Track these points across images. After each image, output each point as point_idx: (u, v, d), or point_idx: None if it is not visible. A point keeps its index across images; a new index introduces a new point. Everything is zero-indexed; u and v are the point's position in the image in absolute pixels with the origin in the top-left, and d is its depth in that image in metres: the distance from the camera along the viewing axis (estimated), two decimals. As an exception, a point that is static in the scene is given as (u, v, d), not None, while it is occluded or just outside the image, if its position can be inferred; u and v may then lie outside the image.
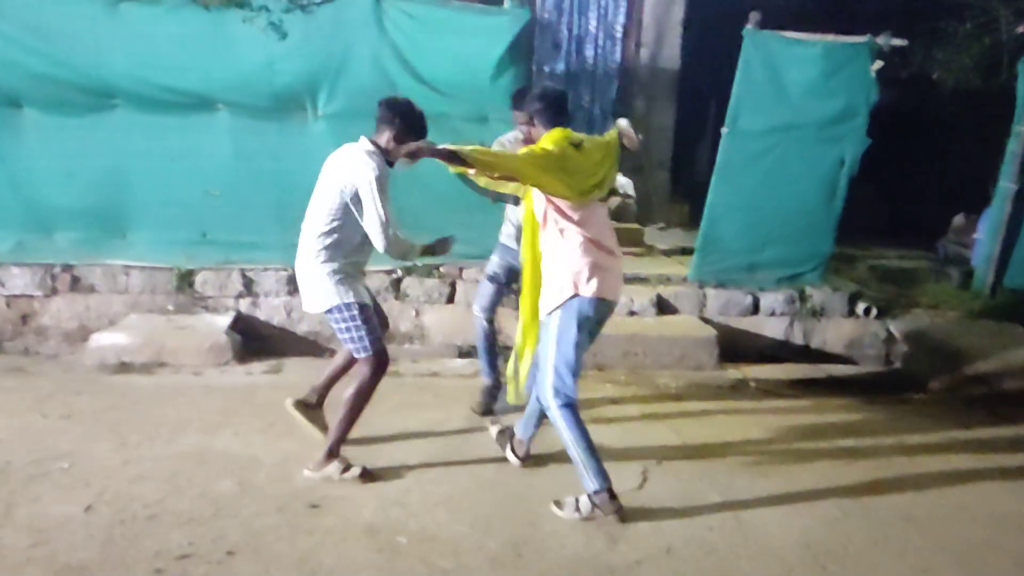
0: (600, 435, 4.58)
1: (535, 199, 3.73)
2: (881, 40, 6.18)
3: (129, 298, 6.01)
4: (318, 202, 3.85)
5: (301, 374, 5.39)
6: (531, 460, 4.17)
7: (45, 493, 3.60)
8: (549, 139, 3.66)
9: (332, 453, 3.92)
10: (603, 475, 3.62)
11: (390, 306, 6.17)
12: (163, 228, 6.05)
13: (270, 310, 6.12)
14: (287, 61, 5.80)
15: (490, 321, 4.78)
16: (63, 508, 3.46)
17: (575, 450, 3.61)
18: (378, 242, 3.76)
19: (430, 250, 4.00)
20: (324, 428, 4.16)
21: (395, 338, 6.08)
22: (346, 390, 3.92)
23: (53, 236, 6.00)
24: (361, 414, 3.94)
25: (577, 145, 3.70)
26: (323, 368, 5.60)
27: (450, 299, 6.27)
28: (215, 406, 4.75)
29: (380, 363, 3.89)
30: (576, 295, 3.60)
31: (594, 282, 3.61)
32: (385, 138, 3.87)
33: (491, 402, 4.88)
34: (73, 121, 5.75)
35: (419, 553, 3.28)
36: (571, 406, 3.62)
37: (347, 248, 3.84)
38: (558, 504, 3.71)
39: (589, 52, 9.42)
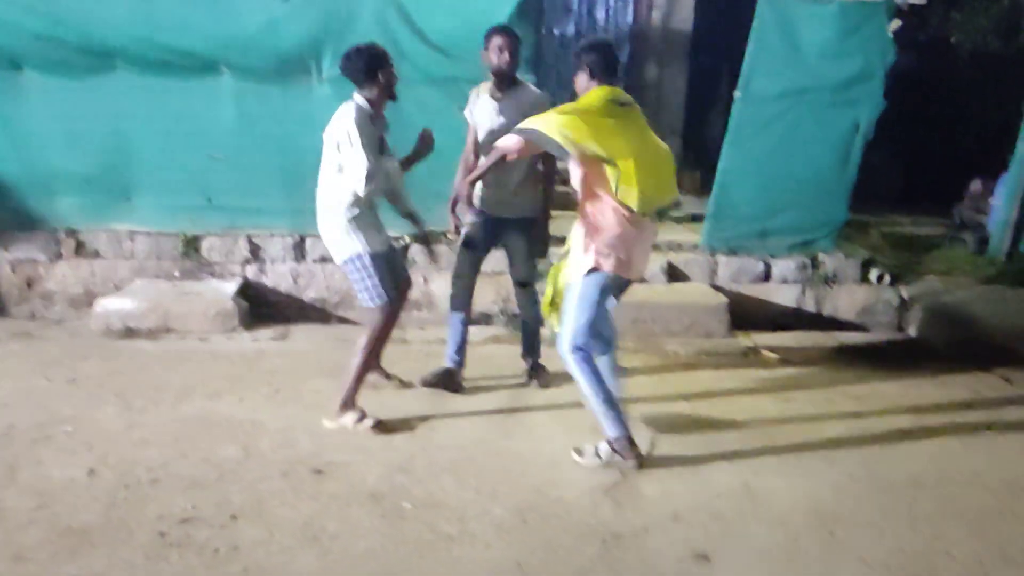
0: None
1: (572, 164, 3.64)
2: (898, -1, 6.04)
3: (135, 263, 5.99)
4: (325, 159, 3.97)
5: (308, 341, 5.37)
6: (540, 430, 4.13)
7: (49, 456, 3.59)
8: (595, 105, 3.55)
9: (347, 403, 4.01)
10: (623, 423, 3.72)
11: (397, 272, 6.13)
12: (168, 193, 6.01)
13: (277, 276, 6.08)
14: (291, 23, 5.71)
15: (465, 288, 4.59)
16: (66, 471, 3.45)
17: (595, 400, 3.69)
18: (359, 187, 3.82)
19: (411, 159, 4.15)
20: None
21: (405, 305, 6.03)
22: (357, 340, 4.02)
23: (56, 201, 5.96)
24: (372, 364, 4.05)
25: (624, 104, 3.66)
26: (329, 334, 5.61)
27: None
28: (221, 372, 4.73)
29: (391, 311, 4.03)
30: (603, 270, 3.62)
31: (623, 261, 3.64)
32: (372, 89, 3.94)
33: (440, 384, 4.60)
34: (74, 83, 5.70)
35: (424, 519, 3.25)
36: (589, 359, 3.69)
37: (351, 200, 3.92)
38: (578, 451, 3.78)
39: (600, 14, 9.27)
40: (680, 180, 9.57)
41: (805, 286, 6.51)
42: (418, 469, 3.68)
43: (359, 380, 4.03)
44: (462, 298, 4.64)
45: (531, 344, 4.80)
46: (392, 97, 4.05)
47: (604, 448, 3.74)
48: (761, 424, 4.40)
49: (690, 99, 9.39)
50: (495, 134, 4.33)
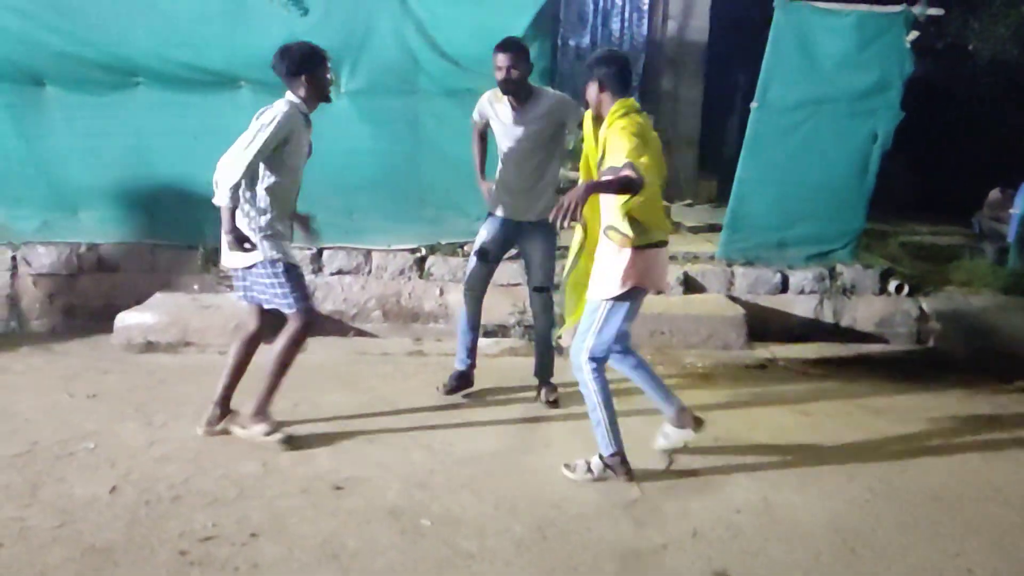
0: (624, 416, 4.54)
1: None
2: (917, 10, 6.01)
3: (155, 277, 6.04)
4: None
5: (325, 353, 5.39)
6: (558, 444, 4.13)
7: (71, 473, 3.62)
8: (630, 123, 3.53)
9: (260, 413, 3.95)
10: (620, 439, 3.75)
11: (414, 284, 6.16)
12: (187, 207, 6.04)
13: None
14: (309, 38, 5.63)
15: (476, 300, 4.61)
16: (89, 488, 3.48)
17: (602, 412, 3.71)
18: (224, 184, 3.68)
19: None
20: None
21: (420, 317, 6.05)
22: (273, 347, 3.94)
23: (78, 215, 6.02)
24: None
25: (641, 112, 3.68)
26: (346, 346, 5.64)
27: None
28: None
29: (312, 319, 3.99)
30: (634, 288, 3.64)
31: (648, 275, 3.68)
32: (299, 85, 3.88)
33: (458, 387, 4.71)
34: (96, 99, 5.76)
35: (443, 535, 3.25)
36: (603, 372, 3.74)
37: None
38: (569, 467, 3.79)
39: (615, 25, 9.28)
40: (696, 190, 9.64)
41: (823, 297, 6.48)
42: (436, 484, 3.68)
43: (274, 390, 3.97)
44: (473, 311, 4.65)
45: (544, 362, 4.76)
46: (325, 99, 3.96)
47: (597, 463, 3.75)
48: (779, 437, 4.38)
49: (706, 109, 9.38)
50: (519, 143, 4.36)
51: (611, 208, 3.62)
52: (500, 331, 6.03)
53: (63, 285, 5.97)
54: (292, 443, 3.95)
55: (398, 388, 4.85)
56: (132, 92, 5.78)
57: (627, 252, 3.59)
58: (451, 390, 4.69)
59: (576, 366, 3.74)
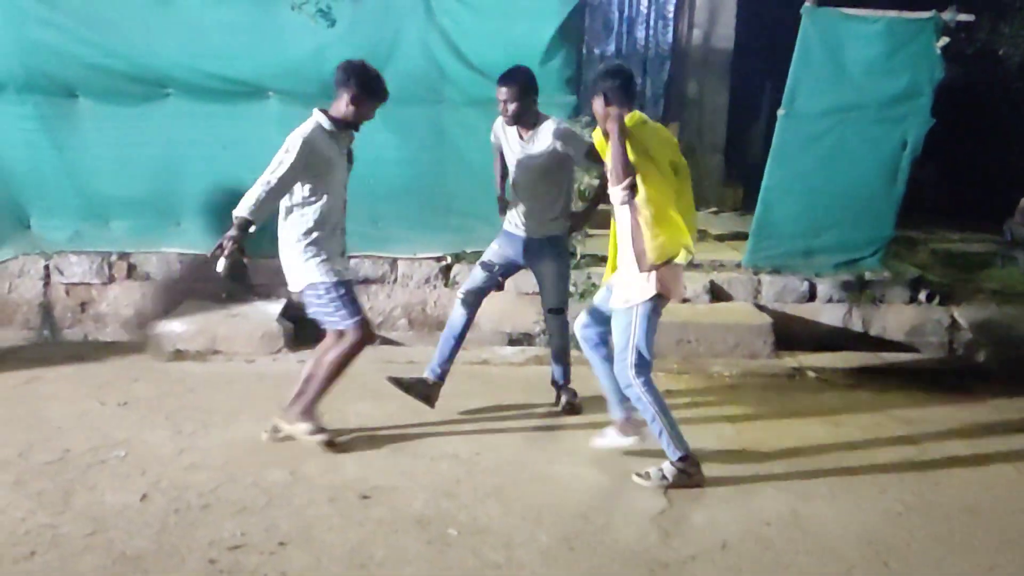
0: (653, 426, 4.52)
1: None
2: (947, 15, 5.93)
3: (183, 286, 6.09)
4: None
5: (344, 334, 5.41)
6: (584, 454, 4.12)
7: (102, 481, 3.66)
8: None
9: (307, 412, 4.01)
10: (685, 442, 3.79)
11: (440, 293, 6.17)
12: (215, 216, 6.08)
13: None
14: (336, 48, 5.76)
15: (468, 305, 4.53)
16: (120, 496, 3.51)
17: (661, 420, 3.74)
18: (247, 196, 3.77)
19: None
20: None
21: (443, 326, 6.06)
22: (329, 355, 4.04)
23: (109, 224, 6.10)
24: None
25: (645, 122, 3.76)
26: (372, 355, 5.65)
27: (499, 286, 6.22)
28: (267, 394, 4.78)
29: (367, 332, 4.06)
30: (659, 295, 3.71)
31: (668, 283, 3.74)
32: (343, 102, 3.92)
33: (411, 389, 4.49)
34: (127, 110, 5.83)
35: (470, 545, 3.25)
36: (651, 381, 3.78)
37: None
38: (641, 476, 3.79)
39: (640, 33, 9.29)
40: (722, 198, 9.63)
41: (852, 306, 6.41)
42: (463, 494, 3.68)
43: (322, 393, 4.04)
44: (462, 321, 4.53)
45: (563, 372, 4.73)
46: (354, 128, 4.06)
47: (669, 468, 3.77)
48: (809, 448, 4.34)
49: (731, 116, 9.33)
50: (527, 172, 4.36)
51: (627, 229, 3.70)
52: (525, 339, 6.03)
53: (94, 294, 6.05)
54: (334, 446, 4.03)
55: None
56: (162, 103, 5.85)
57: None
58: (397, 383, 4.47)
59: (625, 383, 3.77)
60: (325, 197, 3.91)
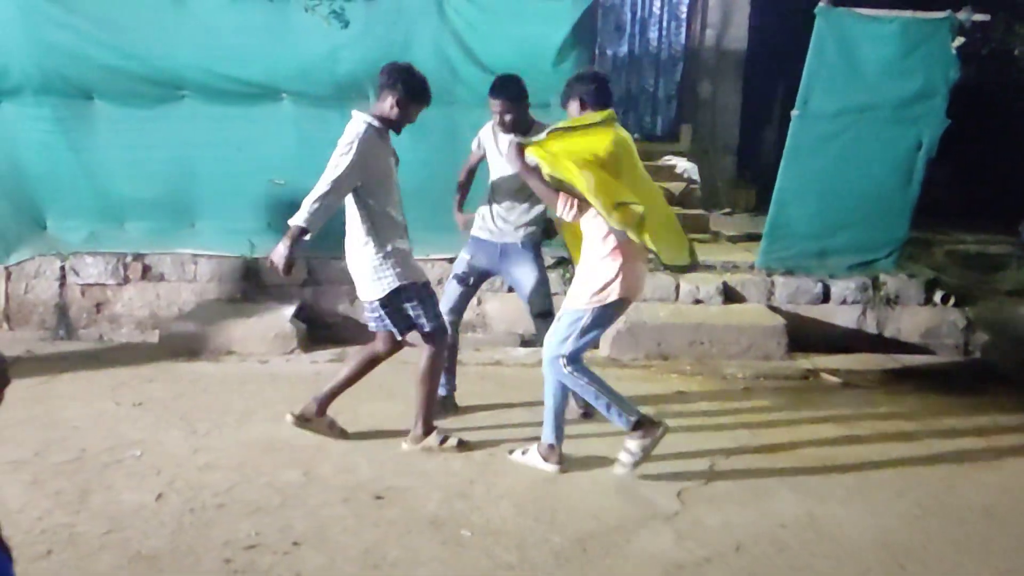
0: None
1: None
2: (962, 15, 5.90)
3: (197, 286, 6.13)
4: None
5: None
6: (596, 455, 4.11)
7: (118, 481, 3.68)
8: (601, 140, 3.65)
9: (428, 426, 4.07)
10: (633, 407, 3.83)
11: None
12: (230, 217, 6.14)
13: (333, 298, 6.16)
14: (349, 50, 5.81)
15: (454, 325, 4.49)
16: (136, 496, 3.53)
17: (605, 396, 3.78)
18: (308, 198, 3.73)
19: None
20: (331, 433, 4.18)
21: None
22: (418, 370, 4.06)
23: (125, 226, 6.14)
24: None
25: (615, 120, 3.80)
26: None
27: (511, 288, 6.23)
28: (281, 395, 4.81)
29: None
30: (614, 299, 3.72)
31: (629, 286, 3.73)
32: (387, 104, 3.87)
33: (439, 412, 4.46)
34: (142, 112, 5.87)
35: (483, 546, 3.25)
36: (582, 364, 3.82)
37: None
38: (622, 462, 3.83)
39: (653, 34, 9.26)
40: (735, 199, 9.59)
41: (866, 307, 6.38)
42: (477, 495, 3.68)
43: (432, 403, 4.12)
44: (451, 335, 4.48)
45: None
46: (397, 130, 4.02)
47: (633, 445, 3.80)
48: (824, 450, 4.32)
49: (744, 117, 9.30)
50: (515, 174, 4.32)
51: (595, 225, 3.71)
52: (538, 340, 6.01)
53: (110, 295, 6.08)
54: (467, 446, 4.12)
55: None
56: (177, 105, 5.88)
57: (616, 264, 3.66)
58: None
59: (559, 374, 3.79)
60: (383, 196, 3.87)
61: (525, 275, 4.45)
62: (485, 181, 4.62)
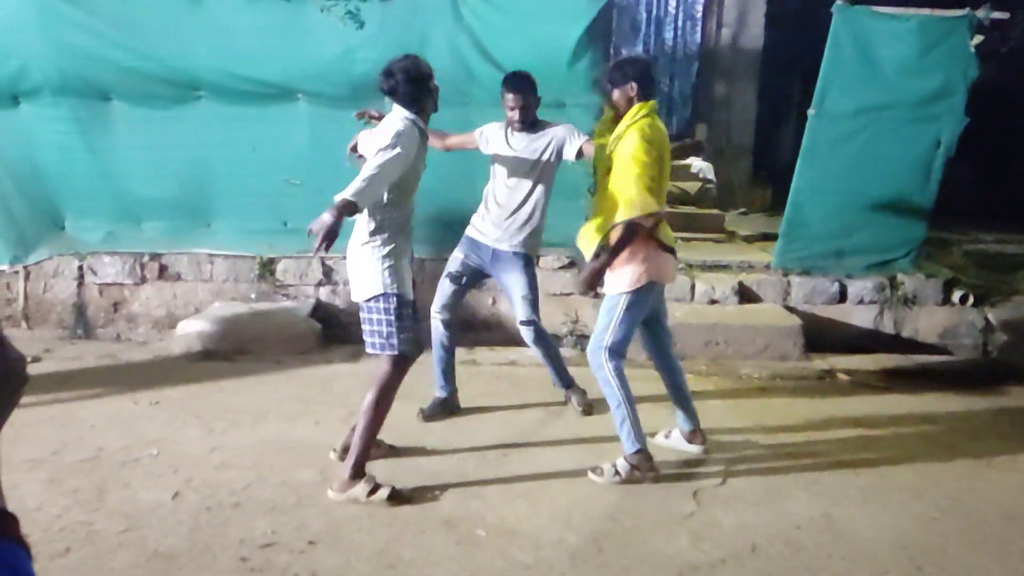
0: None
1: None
2: (980, 13, 5.84)
3: (213, 286, 6.15)
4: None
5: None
6: (611, 455, 4.09)
7: (135, 479, 3.70)
8: (648, 137, 3.71)
9: (358, 472, 3.59)
10: (643, 436, 3.85)
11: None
12: (245, 217, 6.16)
13: (348, 298, 6.16)
14: (364, 50, 5.81)
15: (447, 324, 4.49)
16: (153, 494, 3.55)
17: (625, 409, 3.80)
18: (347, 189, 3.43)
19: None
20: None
21: (473, 326, 6.07)
22: (365, 397, 3.66)
23: (142, 226, 6.17)
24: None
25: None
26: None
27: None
28: (296, 394, 4.83)
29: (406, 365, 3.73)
30: (650, 282, 3.80)
31: (657, 269, 3.83)
32: (429, 105, 3.75)
33: (439, 413, 4.56)
34: (159, 113, 5.89)
35: (498, 546, 3.25)
36: (622, 368, 3.86)
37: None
38: (595, 471, 3.83)
39: (668, 34, 9.24)
40: (750, 199, 9.53)
41: (883, 307, 6.33)
42: (491, 495, 3.68)
43: (369, 445, 3.66)
44: (446, 334, 4.52)
45: (560, 370, 4.73)
46: (436, 109, 3.85)
47: (623, 464, 3.81)
48: (840, 451, 4.29)
49: (760, 116, 9.26)
50: (519, 166, 4.35)
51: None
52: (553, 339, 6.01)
53: (127, 294, 6.12)
54: (399, 499, 3.57)
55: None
56: (193, 105, 5.91)
57: (643, 250, 3.75)
58: (431, 418, 4.52)
59: (597, 365, 3.84)
60: (407, 199, 3.72)
61: (513, 283, 4.46)
62: (485, 182, 4.63)
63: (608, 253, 3.74)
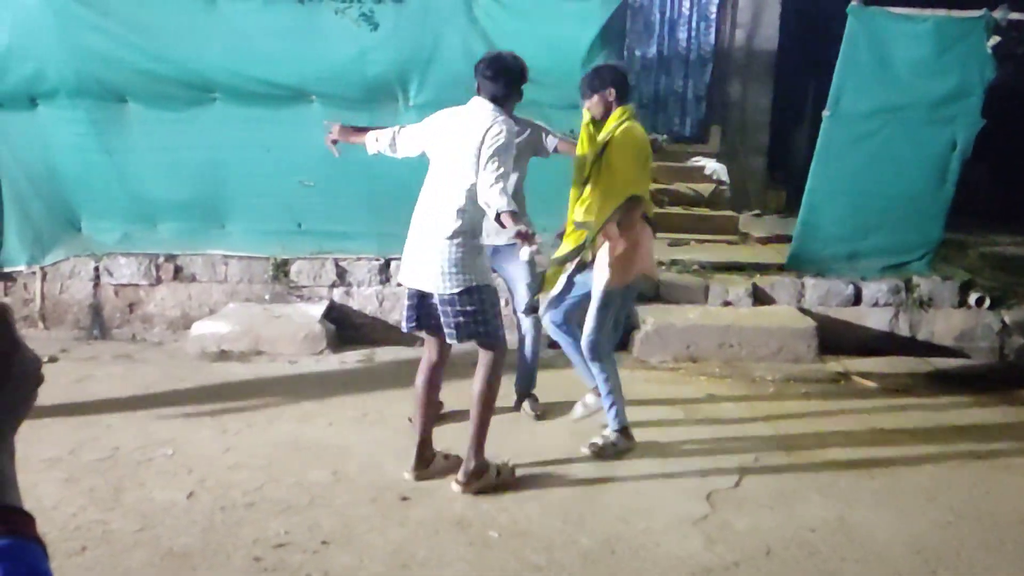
0: (694, 430, 4.50)
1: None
2: (998, 14, 5.80)
3: (228, 287, 6.18)
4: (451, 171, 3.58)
5: (393, 363, 5.45)
6: (625, 457, 4.12)
7: (150, 479, 3.72)
8: (638, 142, 4.01)
9: (481, 464, 3.66)
10: (625, 415, 4.19)
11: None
12: (259, 219, 6.19)
13: (363, 299, 6.19)
14: (378, 52, 5.83)
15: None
16: (167, 494, 3.57)
17: (616, 396, 4.15)
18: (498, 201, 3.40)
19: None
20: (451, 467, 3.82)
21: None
22: (473, 389, 3.69)
23: (157, 227, 6.21)
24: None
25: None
26: (414, 355, 5.67)
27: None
28: (309, 395, 4.84)
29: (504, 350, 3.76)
30: (635, 275, 4.09)
31: (647, 262, 4.15)
32: (512, 103, 3.69)
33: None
34: (174, 115, 5.92)
35: (511, 547, 3.25)
36: (614, 358, 4.23)
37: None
38: (591, 446, 4.10)
39: (682, 34, 9.21)
40: (765, 200, 9.51)
41: (898, 310, 6.29)
42: (504, 496, 3.67)
43: (484, 437, 3.71)
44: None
45: (530, 375, 4.71)
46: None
47: (616, 436, 4.12)
48: (855, 454, 4.27)
49: (775, 117, 9.23)
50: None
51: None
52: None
53: (142, 295, 6.16)
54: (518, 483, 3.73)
55: (464, 398, 4.85)
56: (208, 107, 5.93)
57: (635, 246, 3.99)
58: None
59: (595, 356, 4.08)
60: None
61: (515, 271, 4.47)
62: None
63: (622, 228, 3.97)
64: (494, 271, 4.62)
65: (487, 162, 3.44)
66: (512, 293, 4.62)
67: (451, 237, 3.54)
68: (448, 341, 3.71)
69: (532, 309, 4.50)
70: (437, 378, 3.91)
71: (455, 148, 3.57)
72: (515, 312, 4.63)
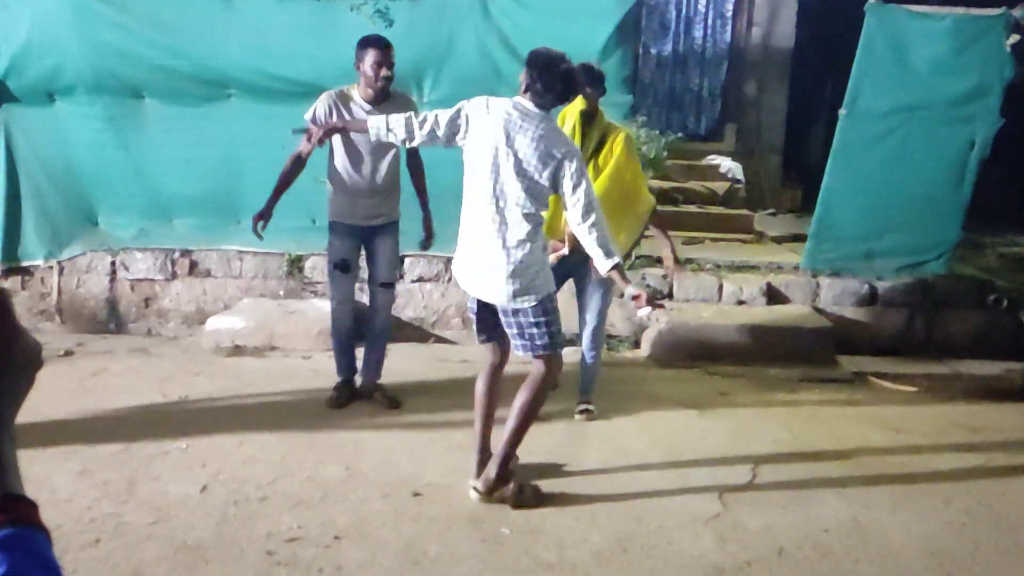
0: (708, 429, 4.49)
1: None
2: (1017, 12, 5.75)
3: (243, 283, 6.22)
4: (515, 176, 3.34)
5: (406, 360, 5.45)
6: (636, 456, 4.10)
7: (165, 472, 3.74)
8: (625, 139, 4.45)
9: (505, 472, 3.54)
10: None
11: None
12: (275, 215, 6.18)
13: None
14: (394, 49, 5.83)
15: (351, 311, 4.67)
16: (181, 487, 3.59)
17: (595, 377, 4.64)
18: (588, 219, 3.32)
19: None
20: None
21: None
22: (519, 397, 3.54)
23: (173, 222, 6.24)
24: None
25: None
26: (426, 353, 5.69)
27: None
28: (323, 390, 4.84)
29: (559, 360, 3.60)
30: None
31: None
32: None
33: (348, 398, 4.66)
34: (191, 111, 5.96)
35: (522, 545, 3.25)
36: None
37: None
38: (585, 413, 4.53)
39: (698, 32, 9.18)
40: (780, 199, 9.48)
41: (914, 310, 6.24)
42: (516, 494, 3.67)
43: (517, 446, 3.61)
44: (350, 324, 4.68)
45: (379, 361, 4.72)
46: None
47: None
48: (869, 455, 4.24)
49: (791, 116, 9.18)
50: (377, 141, 4.09)
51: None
52: (578, 339, 5.99)
53: (158, 290, 6.20)
54: (544, 499, 3.57)
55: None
56: (225, 104, 5.97)
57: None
58: (340, 404, 4.60)
59: (600, 343, 4.63)
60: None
61: (381, 245, 4.60)
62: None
63: (667, 237, 4.61)
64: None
65: (578, 194, 3.30)
66: (372, 264, 4.71)
67: (517, 246, 3.37)
68: (519, 353, 3.55)
69: (390, 284, 4.75)
70: (498, 384, 3.69)
71: (520, 150, 3.33)
72: None
